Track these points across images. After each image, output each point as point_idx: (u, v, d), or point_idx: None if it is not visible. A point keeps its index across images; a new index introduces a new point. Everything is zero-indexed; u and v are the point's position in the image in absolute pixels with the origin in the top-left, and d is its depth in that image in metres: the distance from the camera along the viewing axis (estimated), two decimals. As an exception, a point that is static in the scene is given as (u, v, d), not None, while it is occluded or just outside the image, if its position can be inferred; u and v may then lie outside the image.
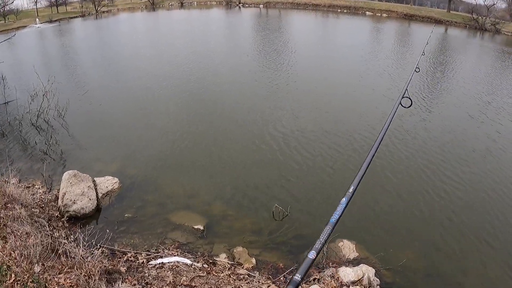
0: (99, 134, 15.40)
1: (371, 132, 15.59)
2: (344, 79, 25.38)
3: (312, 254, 1.97)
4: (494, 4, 79.45)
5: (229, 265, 8.34)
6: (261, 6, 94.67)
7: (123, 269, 7.53)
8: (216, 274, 7.87)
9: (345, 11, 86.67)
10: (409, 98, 4.86)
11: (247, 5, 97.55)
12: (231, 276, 7.91)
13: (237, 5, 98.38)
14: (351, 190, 2.66)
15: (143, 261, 8.14)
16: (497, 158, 14.50)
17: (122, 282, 6.78)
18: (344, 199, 2.56)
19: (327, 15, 78.74)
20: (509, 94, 23.29)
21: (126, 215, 10.01)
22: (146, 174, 12.23)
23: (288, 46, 37.08)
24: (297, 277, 1.82)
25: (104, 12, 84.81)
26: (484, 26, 69.98)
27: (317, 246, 2.04)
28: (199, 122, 16.66)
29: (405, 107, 4.89)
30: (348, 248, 9.21)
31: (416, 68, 7.14)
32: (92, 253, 7.52)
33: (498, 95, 23.08)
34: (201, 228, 9.52)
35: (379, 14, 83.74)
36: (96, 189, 10.59)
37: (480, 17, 72.64)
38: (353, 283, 7.89)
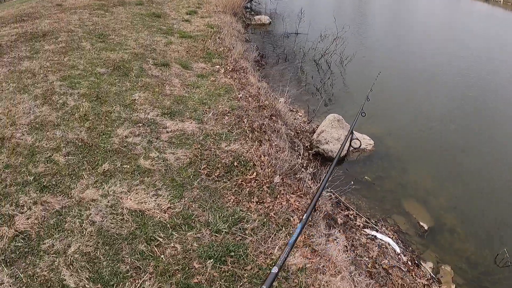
0: (372, 95, 15.43)
1: None
2: None
3: (275, 269, 2.41)
4: None
5: (430, 276, 8.06)
6: None
7: (340, 221, 7.76)
8: (414, 276, 7.69)
9: None
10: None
11: None
12: (425, 287, 7.67)
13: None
14: (304, 217, 3.08)
15: (360, 224, 8.28)
16: None
17: (337, 231, 6.97)
18: (299, 224, 2.99)
19: None
20: None
21: (365, 177, 10.22)
22: (401, 151, 12.13)
23: None
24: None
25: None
26: None
27: (279, 263, 2.47)
28: (487, 130, 15.23)
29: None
30: None
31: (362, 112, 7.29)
32: (322, 194, 7.83)
33: None
34: (426, 227, 9.24)
35: None
36: (350, 141, 10.90)
37: None
38: None
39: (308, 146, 10.46)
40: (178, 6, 18.33)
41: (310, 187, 7.42)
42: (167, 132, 7.52)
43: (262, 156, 7.28)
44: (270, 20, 24.21)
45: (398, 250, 8.05)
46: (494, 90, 19.01)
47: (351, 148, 5.02)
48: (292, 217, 6.05)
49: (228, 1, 19.87)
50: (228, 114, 8.66)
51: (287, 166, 7.36)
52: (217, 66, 11.52)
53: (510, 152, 13.18)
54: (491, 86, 19.45)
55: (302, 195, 6.81)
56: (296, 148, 9.36)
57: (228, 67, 11.62)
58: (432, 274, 8.17)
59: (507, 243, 9.80)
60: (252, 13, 25.76)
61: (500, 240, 10.01)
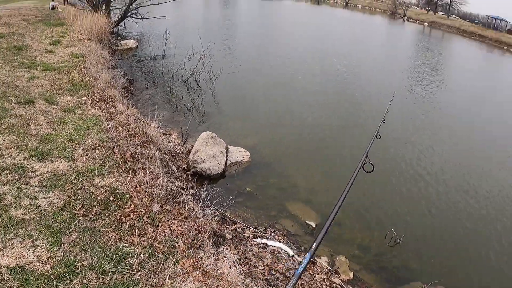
0: (243, 107, 15.92)
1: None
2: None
3: None
4: None
5: (327, 270, 8.26)
6: (426, 24, 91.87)
7: (228, 236, 7.74)
8: (311, 274, 7.85)
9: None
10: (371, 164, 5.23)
11: (411, 20, 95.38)
12: (325, 281, 7.84)
13: (402, 17, 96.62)
14: (313, 246, 3.05)
15: (249, 236, 8.30)
16: None
17: (226, 248, 6.96)
18: (308, 254, 2.95)
19: (491, 50, 72.21)
20: None
21: (246, 188, 10.27)
22: (277, 158, 12.44)
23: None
24: None
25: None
26: None
27: None
28: (346, 128, 16.37)
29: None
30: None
31: (377, 135, 6.98)
32: (206, 212, 7.78)
33: None
34: (313, 225, 9.49)
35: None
36: (226, 156, 10.99)
37: None
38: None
39: (186, 167, 10.36)
40: (41, 36, 17.35)
41: (193, 209, 7.36)
42: (37, 175, 7.05)
43: (138, 186, 7.07)
44: (137, 44, 23.88)
45: (291, 252, 8.16)
46: (355, 84, 20.44)
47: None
48: (177, 243, 5.94)
49: (92, 28, 19.19)
50: (99, 147, 8.31)
51: (165, 192, 7.22)
52: (84, 98, 11.05)
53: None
54: (351, 86, 20.99)
55: (184, 219, 6.70)
56: (171, 172, 9.24)
57: (95, 98, 11.20)
58: (328, 267, 8.37)
59: (393, 223, 10.40)
60: (119, 38, 25.22)
61: (386, 222, 10.59)
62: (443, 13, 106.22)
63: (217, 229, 7.61)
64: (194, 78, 17.94)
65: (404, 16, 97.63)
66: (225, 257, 6.40)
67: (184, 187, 8.90)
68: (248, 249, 7.76)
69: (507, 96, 31.98)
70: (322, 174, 12.27)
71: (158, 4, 26.33)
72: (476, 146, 17.65)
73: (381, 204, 11.58)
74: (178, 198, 7.51)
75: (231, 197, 9.55)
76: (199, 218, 7.08)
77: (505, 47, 78.09)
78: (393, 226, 10.15)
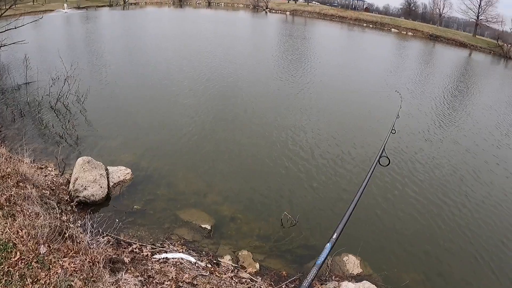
0: (116, 123, 15.43)
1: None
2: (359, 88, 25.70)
3: None
4: (520, 32, 79.61)
5: (232, 267, 8.30)
6: (288, 13, 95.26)
7: (127, 260, 7.50)
8: (218, 275, 7.83)
9: (371, 25, 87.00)
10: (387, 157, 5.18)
11: (273, 11, 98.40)
12: (233, 279, 7.87)
13: (264, 9, 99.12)
14: (334, 236, 2.95)
15: (148, 254, 8.11)
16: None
17: (125, 272, 6.75)
18: (328, 244, 2.81)
19: (352, 28, 78.97)
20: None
21: (135, 206, 10.00)
22: (159, 168, 12.23)
23: (312, 54, 37.34)
24: None
25: (132, 4, 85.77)
26: (508, 54, 69.89)
27: (305, 285, 2.33)
28: (218, 122, 16.70)
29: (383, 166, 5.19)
30: (352, 263, 9.14)
31: (393, 129, 7.28)
32: (98, 241, 7.50)
33: None
34: (209, 228, 9.50)
35: (405, 32, 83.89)
36: (108, 178, 10.60)
37: (505, 45, 72.64)
38: (354, 298, 7.83)
39: (68, 199, 9.87)
40: None
41: (82, 241, 7.05)
42: None
43: (20, 231, 6.66)
44: (-4, 75, 22.27)
45: (193, 259, 8.09)
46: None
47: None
48: (73, 281, 5.67)
49: None
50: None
51: (49, 231, 6.85)
52: None
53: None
54: (219, 84, 21.23)
55: (75, 254, 6.41)
56: (51, 207, 8.78)
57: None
58: (233, 264, 8.41)
59: (285, 206, 10.68)
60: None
61: (278, 207, 10.85)
62: (303, 1, 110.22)
63: (113, 255, 7.35)
64: (62, 103, 17.11)
65: (267, 8, 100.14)
66: (125, 282, 6.21)
67: (70, 220, 8.49)
68: (150, 267, 7.58)
69: (365, 63, 34.60)
70: (206, 174, 12.31)
71: (15, 28, 24.66)
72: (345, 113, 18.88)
73: (270, 191, 11.87)
74: (65, 234, 7.17)
75: (121, 219, 9.27)
76: (91, 249, 6.80)
77: (364, 24, 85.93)
78: (286, 209, 10.44)
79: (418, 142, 17.38)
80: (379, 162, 5.00)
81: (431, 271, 9.62)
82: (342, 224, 3.14)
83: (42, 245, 6.38)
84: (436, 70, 41.18)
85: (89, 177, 9.97)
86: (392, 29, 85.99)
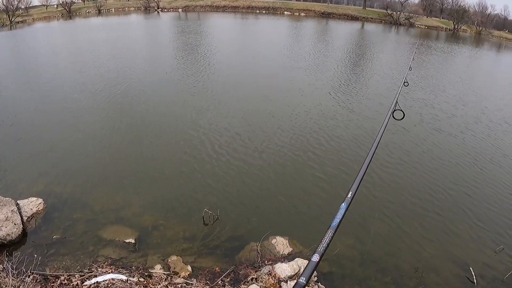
0: (19, 152, 14.64)
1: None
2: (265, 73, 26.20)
3: (315, 257, 2.10)
4: (407, 0, 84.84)
5: (165, 276, 8.34)
6: (180, 10, 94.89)
7: (56, 294, 7.37)
8: (153, 287, 7.84)
9: (263, 12, 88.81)
10: (401, 110, 5.23)
11: (166, 10, 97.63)
12: (169, 287, 7.91)
13: (156, 10, 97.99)
14: (349, 195, 2.83)
15: (77, 282, 7.97)
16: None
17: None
18: (343, 204, 2.69)
19: (246, 16, 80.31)
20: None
21: (54, 236, 9.67)
22: (72, 191, 11.88)
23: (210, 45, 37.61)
24: (302, 280, 1.95)
25: (18, 22, 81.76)
26: (398, 20, 74.78)
27: (320, 250, 2.16)
28: (124, 133, 16.48)
29: (397, 119, 5.33)
30: (281, 244, 9.44)
31: (405, 82, 7.50)
32: (24, 281, 7.32)
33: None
34: (133, 241, 9.46)
35: (297, 14, 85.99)
36: (20, 213, 10.17)
37: (394, 13, 77.50)
38: (290, 277, 8.10)
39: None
40: None
41: (6, 285, 6.84)
42: None
43: None
44: None
45: (124, 277, 8.04)
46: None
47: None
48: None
49: None
50: None
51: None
52: None
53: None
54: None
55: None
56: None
57: None
58: (165, 272, 8.45)
59: (205, 203, 10.83)
60: None
61: (197, 205, 10.96)
62: None
63: (42, 292, 7.20)
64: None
65: (158, 8, 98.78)
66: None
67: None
68: (81, 296, 7.49)
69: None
70: (120, 189, 12.17)
71: None
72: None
73: (185, 192, 12.05)
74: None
75: (43, 253, 9.00)
76: (17, 292, 6.64)
77: (257, 11, 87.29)
78: (206, 206, 10.56)
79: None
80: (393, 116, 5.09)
81: (359, 232, 10.10)
82: (356, 183, 3.04)
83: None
84: (331, 44, 42.79)
85: (0, 217, 9.58)
86: (285, 12, 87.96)
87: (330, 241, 2.27)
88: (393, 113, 5.13)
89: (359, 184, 3.06)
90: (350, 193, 2.86)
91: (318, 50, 39.18)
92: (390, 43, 50.36)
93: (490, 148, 16.34)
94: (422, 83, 27.14)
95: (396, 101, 5.37)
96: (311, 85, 24.32)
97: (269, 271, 8.30)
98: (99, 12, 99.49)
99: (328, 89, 23.54)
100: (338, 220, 2.48)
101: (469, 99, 24.24)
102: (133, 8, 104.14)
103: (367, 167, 3.35)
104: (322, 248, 2.19)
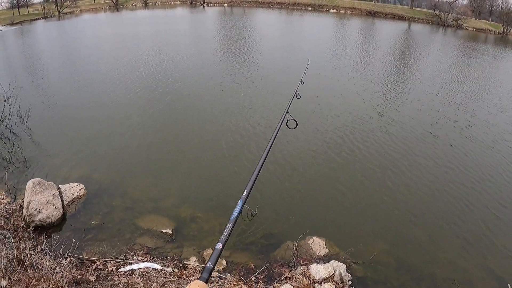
0: (63, 140, 15.02)
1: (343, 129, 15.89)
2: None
3: (219, 245, 2.46)
4: (456, 1, 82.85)
5: (200, 268, 8.31)
6: (226, 4, 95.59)
7: (92, 278, 7.42)
8: (187, 278, 7.83)
9: (309, 9, 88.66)
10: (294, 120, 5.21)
11: (211, 4, 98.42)
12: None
13: (202, 4, 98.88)
14: (245, 193, 3.24)
15: (113, 268, 8.03)
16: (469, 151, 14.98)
17: (91, 292, 6.69)
18: (240, 201, 3.12)
19: (291, 13, 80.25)
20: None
21: (93, 222, 9.81)
22: (112, 179, 12.06)
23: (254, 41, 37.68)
24: (209, 264, 2.33)
25: (66, 13, 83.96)
26: (446, 21, 73.06)
27: (222, 239, 2.53)
28: (165, 124, 16.60)
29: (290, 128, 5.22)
30: (318, 245, 9.28)
31: (297, 95, 7.17)
32: (60, 263, 7.38)
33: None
34: (170, 232, 9.47)
35: (343, 12, 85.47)
36: (61, 197, 10.37)
37: (442, 13, 75.77)
38: (325, 279, 7.95)
39: (24, 225, 9.64)
40: None
41: (43, 267, 6.92)
42: None
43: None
44: None
45: (158, 267, 8.06)
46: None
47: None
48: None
49: None
50: None
51: (7, 262, 6.72)
52: None
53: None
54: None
55: (36, 282, 6.31)
56: (6, 237, 8.55)
57: None
58: (200, 265, 8.42)
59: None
60: None
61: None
62: None
63: (78, 276, 7.26)
64: (5, 125, 16.56)
65: (204, 2, 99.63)
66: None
67: (29, 246, 8.31)
68: (116, 282, 7.53)
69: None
70: (160, 179, 12.28)
71: None
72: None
73: (225, 186, 12.05)
74: (25, 262, 7.04)
75: (81, 237, 9.13)
76: (54, 273, 6.70)
77: (303, 8, 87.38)
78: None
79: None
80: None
81: (397, 239, 9.89)
82: (251, 182, 3.44)
83: (2, 279, 6.26)
84: (377, 45, 42.21)
85: (41, 199, 9.75)
86: (331, 9, 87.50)
87: (231, 232, 2.63)
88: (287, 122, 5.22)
89: (254, 183, 3.49)
90: (246, 191, 3.27)
91: (363, 50, 38.67)
92: (435, 45, 49.27)
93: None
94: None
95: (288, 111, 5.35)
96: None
97: (304, 271, 8.17)
98: (146, 5, 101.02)
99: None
100: (236, 214, 2.90)
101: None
102: (179, 2, 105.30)
103: (261, 167, 3.81)
104: (224, 238, 2.55)
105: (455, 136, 16.57)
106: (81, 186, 11.08)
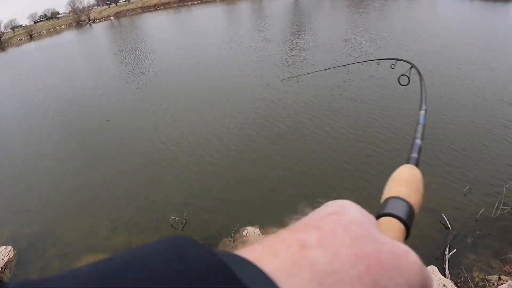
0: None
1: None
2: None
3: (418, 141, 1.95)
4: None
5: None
6: (112, 18, 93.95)
7: None
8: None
9: (195, 2, 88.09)
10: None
11: (97, 20, 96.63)
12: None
13: (87, 22, 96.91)
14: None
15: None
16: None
17: None
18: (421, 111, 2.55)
19: (179, 10, 79.84)
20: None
21: (31, 280, 9.49)
22: (40, 230, 11.61)
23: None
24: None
25: None
26: None
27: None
28: (81, 158, 16.17)
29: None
30: (253, 234, 9.43)
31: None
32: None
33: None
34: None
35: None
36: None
37: None
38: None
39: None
40: None
41: None
42: None
43: None
44: None
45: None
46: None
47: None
48: None
49: None
50: None
51: None
52: None
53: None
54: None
55: None
56: None
57: None
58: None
59: (169, 211, 10.70)
60: None
61: (164, 214, 10.83)
62: (124, 0, 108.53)
63: None
64: None
65: (89, 20, 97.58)
66: None
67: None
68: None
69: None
70: (86, 215, 12.00)
71: None
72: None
73: (147, 203, 12.02)
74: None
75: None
76: None
77: (189, 3, 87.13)
78: (171, 214, 10.50)
79: None
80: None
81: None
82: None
83: None
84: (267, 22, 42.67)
85: None
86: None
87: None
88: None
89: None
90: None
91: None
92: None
93: None
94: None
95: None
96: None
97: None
98: (31, 37, 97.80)
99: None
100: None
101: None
102: (64, 26, 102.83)
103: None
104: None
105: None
106: (9, 247, 10.58)
